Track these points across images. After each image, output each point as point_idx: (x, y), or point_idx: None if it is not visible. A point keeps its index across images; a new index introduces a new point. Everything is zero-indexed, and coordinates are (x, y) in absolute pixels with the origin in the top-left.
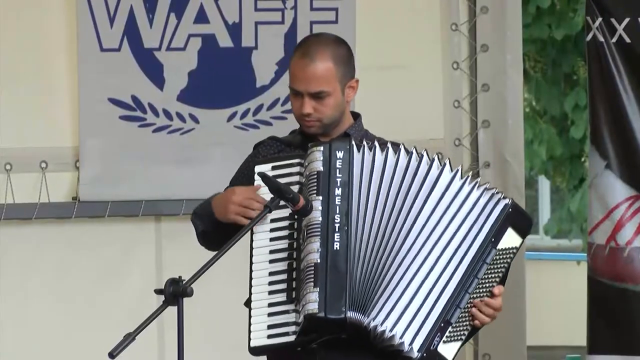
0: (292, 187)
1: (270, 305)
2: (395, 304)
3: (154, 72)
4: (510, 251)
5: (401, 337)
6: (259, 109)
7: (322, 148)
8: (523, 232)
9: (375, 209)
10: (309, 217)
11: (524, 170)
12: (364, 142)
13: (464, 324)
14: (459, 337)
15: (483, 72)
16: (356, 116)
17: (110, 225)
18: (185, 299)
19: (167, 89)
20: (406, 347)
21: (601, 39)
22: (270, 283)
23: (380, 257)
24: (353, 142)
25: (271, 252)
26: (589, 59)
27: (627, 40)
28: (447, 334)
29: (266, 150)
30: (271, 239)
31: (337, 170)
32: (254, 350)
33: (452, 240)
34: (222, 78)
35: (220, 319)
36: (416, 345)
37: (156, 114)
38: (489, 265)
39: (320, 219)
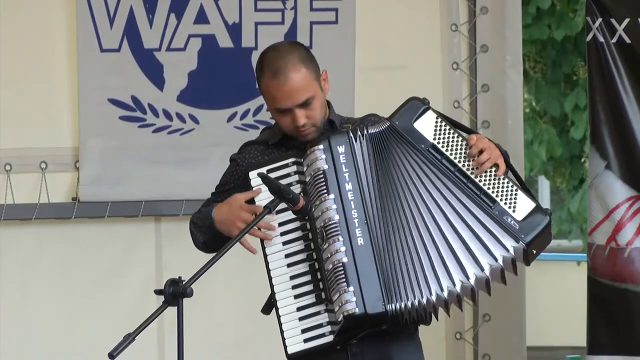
0: (291, 188)
1: (299, 309)
2: (422, 271)
3: (154, 72)
4: (437, 125)
5: (517, 242)
6: (258, 109)
7: (321, 146)
8: (425, 109)
9: (382, 193)
10: (325, 217)
11: (524, 170)
12: (358, 131)
13: (499, 184)
14: (513, 192)
15: (483, 72)
16: (328, 104)
17: (110, 226)
18: (185, 299)
19: (167, 90)
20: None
21: (601, 39)
22: (294, 287)
23: (398, 237)
24: (351, 134)
25: (287, 255)
26: (589, 59)
27: (627, 40)
28: (506, 205)
29: (250, 155)
30: (284, 243)
31: (343, 165)
32: (293, 357)
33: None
34: (222, 78)
35: (220, 319)
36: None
37: (156, 114)
38: (443, 151)
39: (337, 217)
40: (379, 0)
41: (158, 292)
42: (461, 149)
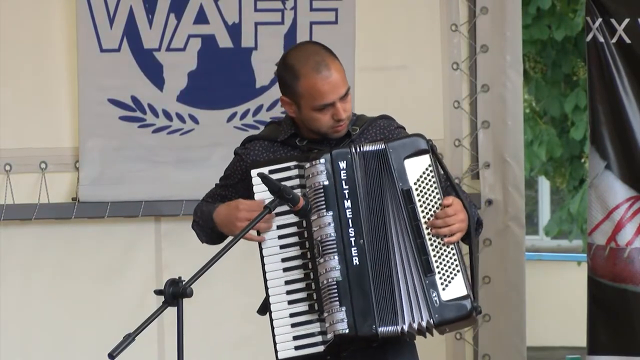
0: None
1: (292, 315)
2: (408, 298)
3: (154, 72)
4: (425, 172)
5: (430, 318)
6: (258, 109)
7: (323, 160)
8: (423, 151)
9: (371, 214)
10: (322, 232)
11: (523, 171)
12: (358, 147)
13: (447, 258)
14: (454, 272)
15: (483, 72)
16: None
17: (110, 226)
18: (185, 300)
19: (166, 90)
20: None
21: (601, 39)
22: (289, 292)
23: (388, 261)
24: (353, 149)
25: (283, 260)
26: (589, 59)
27: (627, 40)
28: (440, 280)
29: (255, 152)
30: (281, 247)
31: (343, 182)
32: None
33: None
34: (221, 78)
35: (220, 319)
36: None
37: (156, 114)
38: (414, 199)
39: (335, 234)
40: (379, 0)
41: (158, 292)
42: (433, 206)
